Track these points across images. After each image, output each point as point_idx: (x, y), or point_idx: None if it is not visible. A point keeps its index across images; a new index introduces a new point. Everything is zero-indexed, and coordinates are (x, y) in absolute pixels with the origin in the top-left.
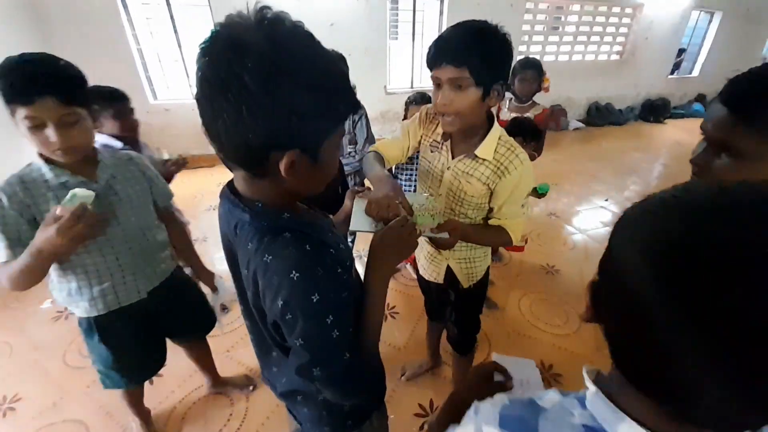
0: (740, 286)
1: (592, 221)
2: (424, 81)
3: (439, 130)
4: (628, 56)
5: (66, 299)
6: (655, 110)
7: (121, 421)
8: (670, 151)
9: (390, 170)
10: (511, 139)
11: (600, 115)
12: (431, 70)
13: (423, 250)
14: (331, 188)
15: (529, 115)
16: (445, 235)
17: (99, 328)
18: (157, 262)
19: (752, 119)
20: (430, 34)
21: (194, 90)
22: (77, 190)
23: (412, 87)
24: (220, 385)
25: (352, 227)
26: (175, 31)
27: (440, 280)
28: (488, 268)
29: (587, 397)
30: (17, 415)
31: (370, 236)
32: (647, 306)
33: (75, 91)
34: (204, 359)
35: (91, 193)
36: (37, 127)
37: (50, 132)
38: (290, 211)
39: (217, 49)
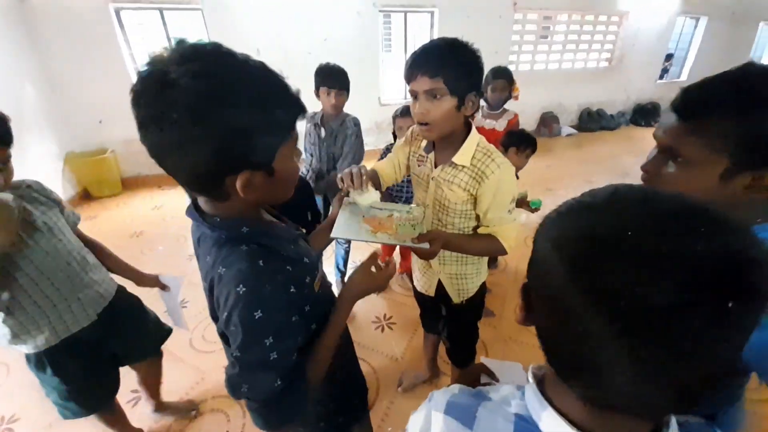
0: (620, 270)
1: None
2: None
3: (423, 143)
4: (617, 62)
5: (13, 340)
6: (646, 114)
7: None
8: None
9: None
10: (490, 145)
11: (592, 121)
12: (408, 84)
13: (417, 262)
14: (300, 212)
15: (501, 121)
16: (425, 245)
17: (50, 360)
18: (98, 283)
19: (699, 127)
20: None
21: None
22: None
23: (406, 98)
24: (162, 409)
25: (333, 233)
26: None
27: (431, 293)
28: (483, 284)
29: (526, 389)
30: None
31: (366, 247)
32: (562, 296)
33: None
34: (154, 383)
35: (9, 196)
36: None
37: None
38: (251, 224)
39: (145, 89)
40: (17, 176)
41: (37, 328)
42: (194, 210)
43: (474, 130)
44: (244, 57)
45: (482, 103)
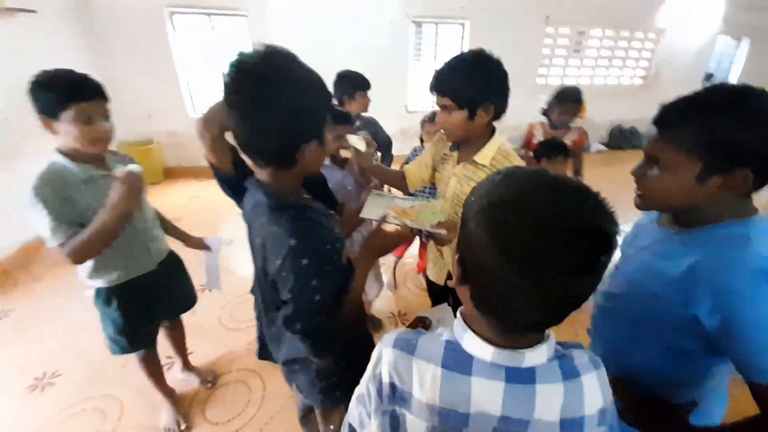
0: (518, 226)
1: None
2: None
3: (449, 144)
4: (652, 80)
5: (92, 275)
6: None
7: (152, 400)
8: None
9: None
10: (511, 150)
11: (624, 139)
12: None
13: (431, 252)
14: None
15: (566, 140)
16: (443, 231)
17: (117, 295)
18: (160, 237)
19: (673, 136)
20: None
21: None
22: (132, 166)
23: (433, 106)
24: (189, 368)
25: (362, 214)
26: (215, 49)
27: (441, 282)
28: None
29: (454, 322)
30: (56, 389)
31: None
32: (483, 251)
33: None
34: (181, 342)
35: (139, 166)
36: (86, 121)
37: (99, 124)
38: (296, 196)
39: (238, 79)
40: None
41: (114, 266)
42: (254, 181)
43: (497, 134)
44: (300, 60)
45: (544, 119)
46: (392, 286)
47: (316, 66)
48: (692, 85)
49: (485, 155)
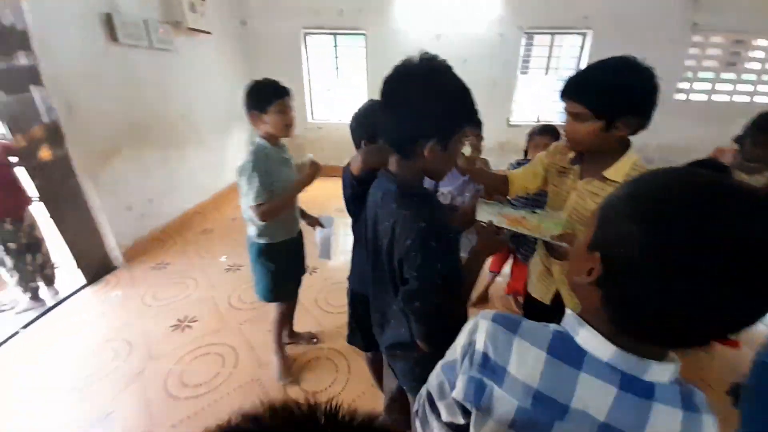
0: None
1: None
2: (551, 115)
3: (570, 155)
4: None
5: (262, 231)
6: None
7: (260, 358)
8: None
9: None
10: (647, 168)
11: None
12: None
13: (536, 268)
14: None
15: (759, 178)
16: (563, 244)
17: (278, 250)
18: (298, 210)
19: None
20: (567, 68)
21: (340, 114)
22: (310, 155)
23: (538, 121)
24: (294, 336)
25: (478, 217)
26: (336, 66)
27: (546, 301)
28: None
29: (565, 316)
30: (192, 332)
31: None
32: (640, 257)
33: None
34: (292, 311)
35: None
36: (284, 112)
37: (290, 114)
38: (422, 188)
39: (392, 78)
40: (229, 154)
41: (278, 228)
42: (386, 171)
43: (632, 149)
44: (452, 71)
45: (733, 147)
46: (483, 299)
47: None
48: None
49: (618, 171)
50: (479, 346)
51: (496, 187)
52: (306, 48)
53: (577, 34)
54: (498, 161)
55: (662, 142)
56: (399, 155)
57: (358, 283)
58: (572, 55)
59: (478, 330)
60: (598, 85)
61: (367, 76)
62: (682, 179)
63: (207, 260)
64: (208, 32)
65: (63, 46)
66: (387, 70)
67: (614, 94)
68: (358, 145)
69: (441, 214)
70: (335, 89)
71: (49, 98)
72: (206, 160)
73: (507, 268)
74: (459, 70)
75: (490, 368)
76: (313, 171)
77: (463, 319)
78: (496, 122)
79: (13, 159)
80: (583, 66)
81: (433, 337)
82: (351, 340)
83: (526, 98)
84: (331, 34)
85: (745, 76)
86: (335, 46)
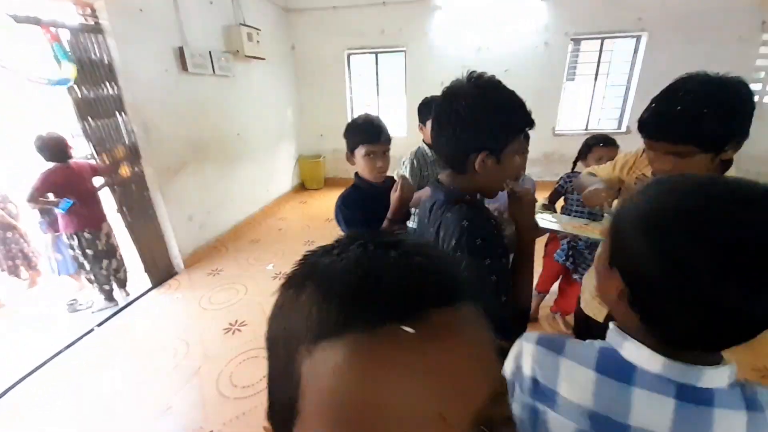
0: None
1: None
2: (601, 123)
3: (649, 168)
4: None
5: None
6: None
7: None
8: None
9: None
10: None
11: None
12: (644, 137)
13: (590, 286)
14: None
15: None
16: None
17: None
18: None
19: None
20: (619, 74)
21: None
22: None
23: (586, 129)
24: None
25: (541, 225)
26: (377, 83)
27: (600, 318)
28: None
29: (608, 331)
30: (242, 335)
31: None
32: (653, 266)
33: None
34: None
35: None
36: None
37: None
38: (471, 196)
39: (443, 97)
40: (277, 168)
41: None
42: (436, 181)
43: (734, 169)
44: (501, 85)
45: None
46: (532, 319)
47: None
48: None
49: None
50: (526, 371)
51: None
52: (349, 67)
53: (631, 37)
54: (544, 171)
55: (749, 151)
56: (452, 170)
57: None
58: (624, 59)
59: (523, 354)
60: (701, 120)
61: (406, 91)
62: (674, 186)
63: (255, 268)
64: (262, 58)
65: (143, 76)
66: (426, 84)
67: (721, 124)
68: (349, 151)
69: (488, 217)
70: (375, 105)
71: (129, 123)
72: (257, 174)
73: (555, 286)
74: (502, 79)
75: (541, 392)
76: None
77: (525, 317)
78: (541, 132)
79: (98, 179)
80: (636, 73)
81: (508, 331)
82: None
83: (573, 106)
84: (372, 53)
85: None
86: (376, 63)
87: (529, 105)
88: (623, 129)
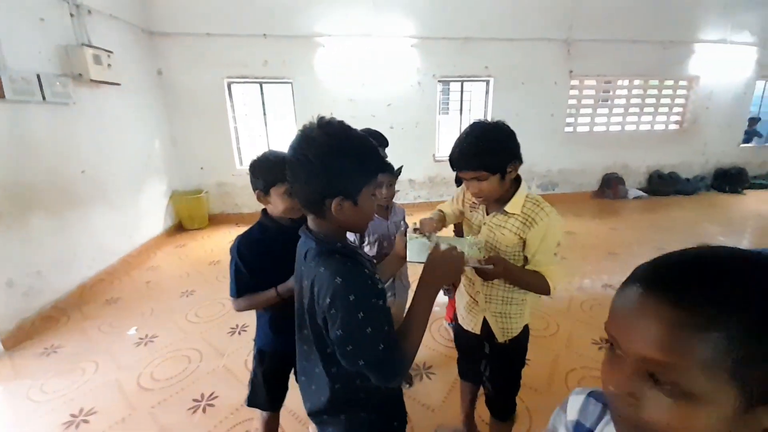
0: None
1: None
2: None
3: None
4: (690, 125)
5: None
6: (731, 180)
7: None
8: (754, 223)
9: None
10: (538, 196)
11: (664, 184)
12: (455, 171)
13: (463, 300)
14: None
15: None
16: (489, 267)
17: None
18: None
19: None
20: (477, 109)
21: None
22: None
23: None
24: None
25: (408, 259)
26: (264, 112)
27: (477, 330)
28: (526, 326)
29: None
30: (89, 427)
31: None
32: None
33: None
34: None
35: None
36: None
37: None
38: (342, 242)
39: (295, 144)
40: (143, 210)
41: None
42: (306, 229)
43: (524, 183)
44: (353, 130)
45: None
46: None
47: (352, 123)
48: (736, 129)
49: (515, 204)
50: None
51: (441, 226)
52: (231, 96)
53: (482, 81)
54: (429, 193)
55: (561, 167)
56: (312, 215)
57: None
58: (480, 98)
59: (568, 402)
60: (485, 152)
61: (296, 121)
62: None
63: (111, 336)
64: (117, 83)
65: None
66: (317, 115)
67: (495, 155)
68: (263, 191)
69: (360, 266)
70: (263, 135)
71: None
72: (113, 219)
73: (444, 298)
74: (383, 113)
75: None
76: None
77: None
78: (424, 159)
79: None
80: (490, 108)
81: (395, 379)
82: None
83: (449, 135)
84: (257, 82)
85: (615, 110)
86: (261, 93)
87: (410, 135)
88: None
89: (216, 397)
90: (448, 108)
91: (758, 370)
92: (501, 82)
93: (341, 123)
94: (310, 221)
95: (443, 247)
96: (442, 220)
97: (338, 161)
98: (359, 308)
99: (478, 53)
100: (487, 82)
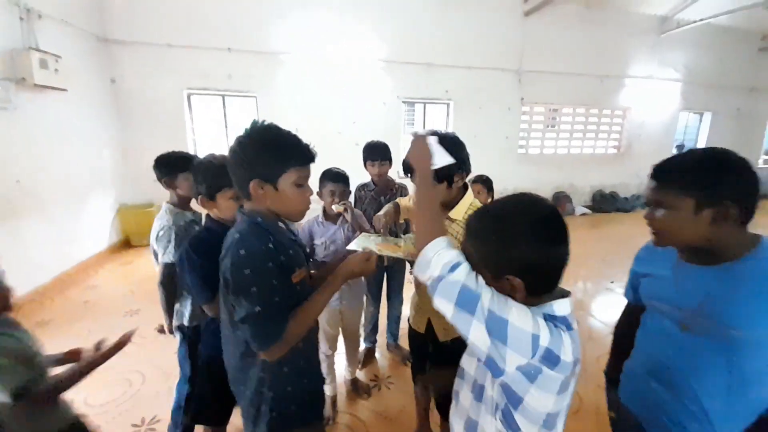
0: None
1: (597, 302)
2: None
3: None
4: (626, 150)
5: None
6: None
7: None
8: None
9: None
10: (481, 205)
11: (606, 202)
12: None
13: (413, 302)
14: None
15: None
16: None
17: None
18: None
19: (664, 183)
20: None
21: None
22: None
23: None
24: None
25: (348, 246)
26: (226, 125)
27: (422, 329)
28: None
29: (532, 309)
30: None
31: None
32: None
33: None
34: None
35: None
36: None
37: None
38: (266, 220)
39: (232, 146)
40: (84, 225)
41: None
42: (240, 208)
43: (470, 191)
44: (275, 128)
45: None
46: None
47: (318, 138)
48: (664, 154)
49: (459, 211)
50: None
51: (397, 217)
52: (190, 108)
53: (443, 103)
54: None
55: (516, 186)
56: (245, 198)
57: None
58: (441, 118)
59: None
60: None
61: None
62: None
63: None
64: (63, 89)
65: None
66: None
67: (444, 168)
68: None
69: (267, 233)
70: (225, 148)
71: None
72: (49, 233)
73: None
74: (350, 130)
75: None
76: None
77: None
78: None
79: None
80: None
81: (266, 344)
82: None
83: None
84: (218, 95)
85: (561, 134)
86: (224, 105)
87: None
88: None
89: (158, 420)
90: (413, 127)
91: (701, 191)
92: (460, 106)
93: (269, 124)
94: (245, 205)
95: (383, 241)
96: (396, 213)
97: (254, 148)
98: (248, 265)
99: (439, 78)
100: (448, 105)
